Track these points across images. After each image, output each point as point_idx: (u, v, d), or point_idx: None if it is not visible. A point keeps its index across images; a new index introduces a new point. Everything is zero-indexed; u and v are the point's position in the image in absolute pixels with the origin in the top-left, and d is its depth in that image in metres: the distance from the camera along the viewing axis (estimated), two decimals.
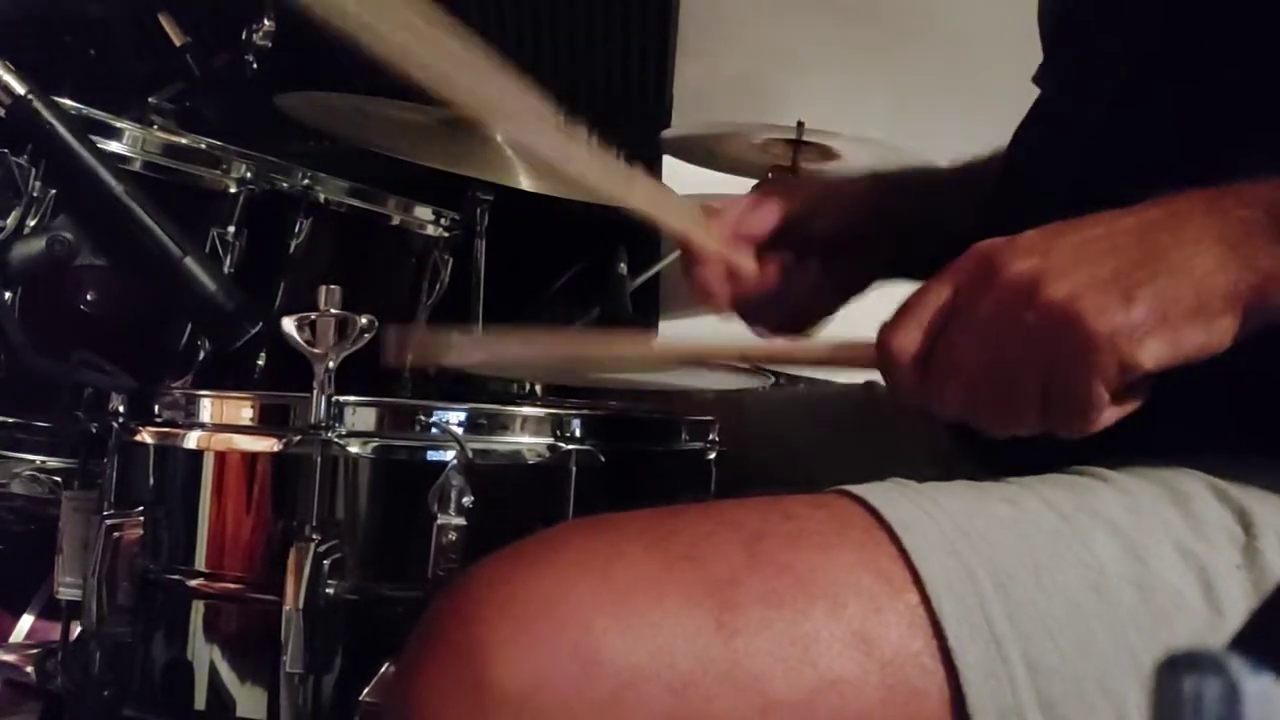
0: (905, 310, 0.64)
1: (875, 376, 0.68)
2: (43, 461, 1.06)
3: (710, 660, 0.55)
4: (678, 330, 2.16)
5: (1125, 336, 0.56)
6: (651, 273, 1.98)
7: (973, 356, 0.60)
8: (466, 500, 0.74)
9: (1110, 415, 0.58)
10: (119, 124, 1.07)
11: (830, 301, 0.97)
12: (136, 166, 1.07)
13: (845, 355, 0.71)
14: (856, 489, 0.62)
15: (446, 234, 1.34)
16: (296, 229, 1.17)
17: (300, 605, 0.72)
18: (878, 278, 0.99)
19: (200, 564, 0.80)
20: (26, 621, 1.36)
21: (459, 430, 0.77)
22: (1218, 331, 0.57)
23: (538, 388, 1.39)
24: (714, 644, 0.55)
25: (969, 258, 0.62)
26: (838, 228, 0.95)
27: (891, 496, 0.61)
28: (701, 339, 0.82)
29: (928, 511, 0.60)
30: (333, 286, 0.76)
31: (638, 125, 2.12)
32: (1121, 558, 0.60)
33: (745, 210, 0.94)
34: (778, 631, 0.56)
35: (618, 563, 0.57)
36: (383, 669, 0.73)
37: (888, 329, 0.64)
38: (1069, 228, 0.60)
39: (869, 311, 0.75)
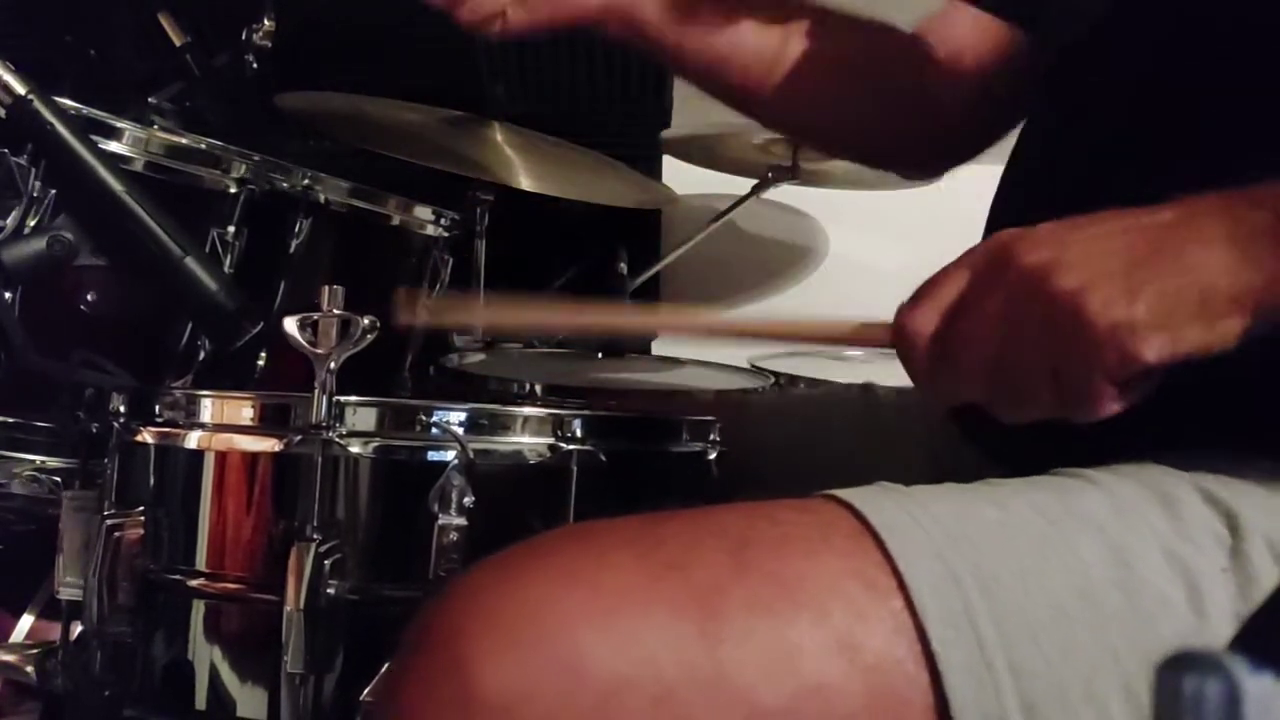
0: (922, 293, 0.65)
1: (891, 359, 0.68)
2: (43, 461, 1.06)
3: (695, 669, 0.55)
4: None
5: (1127, 331, 0.57)
6: (651, 273, 1.98)
7: (986, 342, 0.61)
8: (467, 500, 0.74)
9: (1117, 404, 0.59)
10: (119, 124, 1.07)
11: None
12: (137, 166, 1.07)
13: (859, 335, 0.72)
14: (843, 493, 0.63)
15: (446, 234, 1.34)
16: (296, 229, 1.17)
17: (301, 605, 0.72)
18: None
19: (201, 564, 0.80)
20: (26, 621, 1.35)
21: (460, 430, 0.77)
22: (1220, 332, 0.58)
23: (538, 388, 1.39)
24: (698, 653, 0.55)
25: (988, 245, 0.64)
26: None
27: (878, 501, 0.61)
28: (711, 317, 0.81)
29: (914, 516, 0.60)
30: (336, 286, 0.76)
31: (638, 125, 2.12)
32: (1107, 561, 0.60)
33: None
34: (762, 640, 0.56)
35: (605, 572, 0.58)
36: (383, 669, 0.73)
37: (906, 310, 0.65)
38: (1086, 222, 0.61)
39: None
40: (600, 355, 1.61)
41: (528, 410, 0.81)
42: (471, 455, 0.75)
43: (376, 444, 0.78)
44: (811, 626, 0.57)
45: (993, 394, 0.62)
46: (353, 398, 0.78)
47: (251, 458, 0.80)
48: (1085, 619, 0.58)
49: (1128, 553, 0.60)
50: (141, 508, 0.82)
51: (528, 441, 0.79)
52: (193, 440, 0.82)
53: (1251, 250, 0.57)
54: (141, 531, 0.82)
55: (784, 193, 2.02)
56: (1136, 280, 0.58)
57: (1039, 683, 0.57)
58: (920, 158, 1.08)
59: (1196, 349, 0.58)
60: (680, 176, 2.06)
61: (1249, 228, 0.58)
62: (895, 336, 0.65)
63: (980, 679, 0.56)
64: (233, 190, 1.12)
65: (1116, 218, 0.61)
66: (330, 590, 0.74)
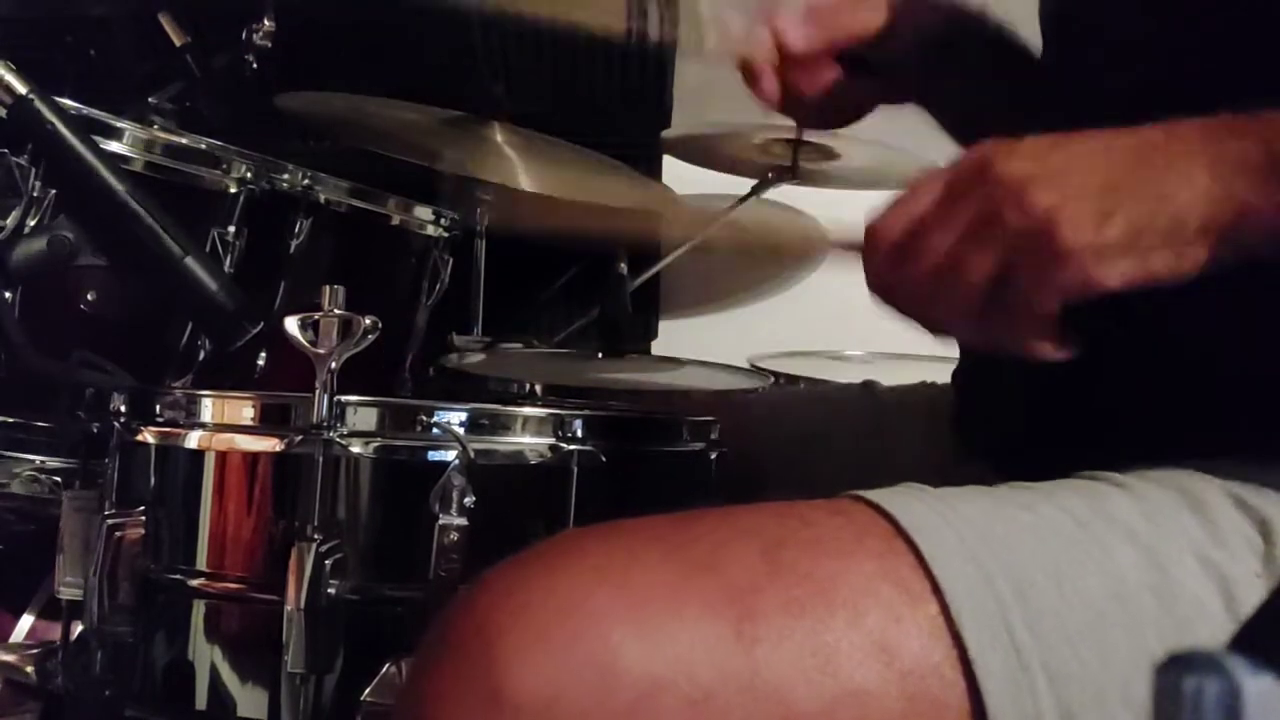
0: (898, 201, 0.65)
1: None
2: (43, 461, 1.06)
3: (730, 671, 0.55)
4: (678, 330, 2.16)
5: (1094, 253, 0.58)
6: (651, 273, 1.98)
7: (944, 242, 0.61)
8: (468, 500, 0.74)
9: (1049, 340, 0.60)
10: (119, 124, 1.07)
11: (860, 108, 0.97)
12: (137, 166, 1.06)
13: (832, 240, 0.72)
14: (873, 495, 0.62)
15: (446, 234, 1.34)
16: (296, 229, 1.17)
17: (302, 605, 0.72)
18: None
19: (201, 564, 0.80)
20: (26, 621, 1.35)
21: (460, 430, 0.77)
22: (1187, 258, 0.58)
23: (538, 388, 1.39)
24: (734, 654, 0.55)
25: (968, 155, 0.63)
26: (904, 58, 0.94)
27: (909, 503, 0.61)
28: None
29: (946, 518, 0.60)
30: (336, 286, 0.76)
31: (638, 125, 2.12)
32: (1141, 565, 0.59)
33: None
34: (798, 641, 0.56)
35: (635, 570, 0.57)
36: (384, 669, 0.73)
37: (877, 215, 0.65)
38: (1072, 138, 0.61)
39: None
40: (600, 355, 1.61)
41: (528, 410, 0.81)
42: (472, 455, 0.75)
43: (377, 444, 0.78)
44: (847, 629, 0.56)
45: (935, 296, 0.62)
46: (353, 398, 0.78)
47: (252, 458, 0.80)
48: (1120, 623, 0.58)
49: (1161, 556, 0.60)
50: (142, 507, 0.82)
51: (529, 441, 0.79)
52: (193, 440, 0.82)
53: (1230, 181, 0.58)
54: (142, 531, 0.82)
55: (784, 193, 2.02)
56: (1110, 203, 0.58)
57: (1075, 687, 0.56)
58: None
59: (1163, 273, 0.58)
60: (680, 176, 2.06)
61: (1231, 157, 0.58)
62: (864, 239, 0.65)
63: (1017, 684, 0.56)
64: (233, 190, 1.12)
65: (1100, 136, 0.61)
66: (331, 590, 0.74)
